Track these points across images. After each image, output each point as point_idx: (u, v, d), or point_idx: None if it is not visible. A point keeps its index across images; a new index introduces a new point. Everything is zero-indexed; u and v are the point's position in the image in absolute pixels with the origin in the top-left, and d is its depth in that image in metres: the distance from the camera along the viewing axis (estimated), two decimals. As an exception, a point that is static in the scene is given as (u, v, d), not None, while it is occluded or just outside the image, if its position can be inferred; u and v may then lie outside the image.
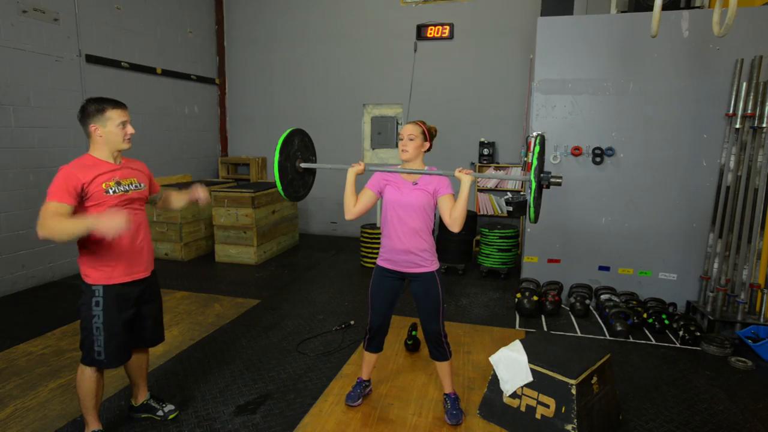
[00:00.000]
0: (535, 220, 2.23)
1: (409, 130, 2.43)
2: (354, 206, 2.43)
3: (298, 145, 2.57)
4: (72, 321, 3.77)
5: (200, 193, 2.52)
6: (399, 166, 2.50)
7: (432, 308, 2.46)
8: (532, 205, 2.16)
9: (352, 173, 2.45)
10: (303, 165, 2.60)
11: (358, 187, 2.44)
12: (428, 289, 2.45)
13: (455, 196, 2.36)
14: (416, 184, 2.42)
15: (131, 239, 2.21)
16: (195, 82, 6.87)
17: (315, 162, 2.75)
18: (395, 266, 2.47)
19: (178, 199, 2.58)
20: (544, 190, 2.31)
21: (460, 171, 2.31)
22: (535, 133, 4.20)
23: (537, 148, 2.09)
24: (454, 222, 2.31)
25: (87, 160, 2.13)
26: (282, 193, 2.50)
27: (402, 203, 2.40)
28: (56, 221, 1.90)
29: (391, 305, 2.56)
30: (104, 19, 5.35)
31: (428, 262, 2.45)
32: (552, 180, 2.12)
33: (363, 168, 2.46)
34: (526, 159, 4.46)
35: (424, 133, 2.46)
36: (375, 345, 2.65)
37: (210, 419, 2.57)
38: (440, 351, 2.53)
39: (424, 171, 2.40)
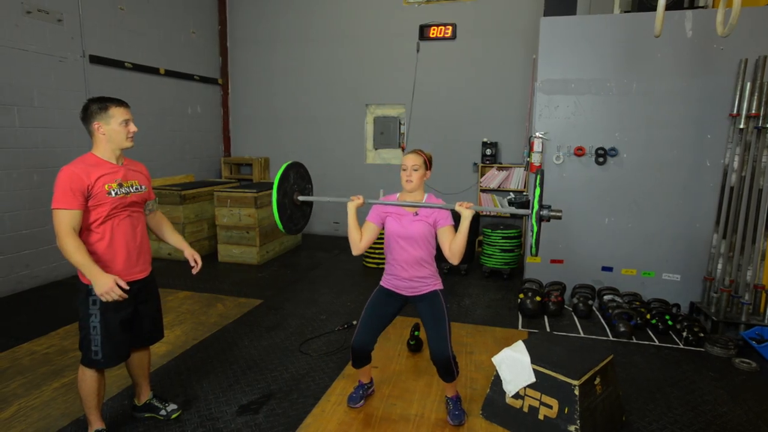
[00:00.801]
0: (536, 254, 2.28)
1: (412, 161, 2.41)
2: (360, 241, 2.43)
3: (294, 179, 2.57)
4: (75, 320, 3.77)
5: (197, 261, 2.54)
6: (398, 195, 2.50)
7: (439, 330, 2.40)
8: (533, 243, 2.19)
9: (352, 208, 2.44)
10: (301, 198, 2.59)
11: (360, 217, 2.44)
12: (433, 309, 2.43)
13: (455, 227, 2.36)
14: (417, 215, 2.42)
15: (129, 241, 2.22)
16: (198, 83, 6.89)
17: (311, 191, 2.76)
18: (399, 290, 2.49)
19: (172, 236, 2.55)
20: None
21: (460, 205, 2.28)
22: (537, 136, 4.20)
23: (537, 190, 2.13)
24: (454, 255, 2.31)
25: (90, 159, 2.14)
26: (283, 230, 2.51)
27: (403, 235, 2.40)
28: (73, 246, 1.99)
29: (383, 326, 2.53)
30: (108, 19, 5.37)
31: (431, 285, 2.47)
32: (552, 214, 2.16)
33: (362, 201, 2.44)
34: (528, 159, 4.45)
35: (425, 162, 2.44)
36: (359, 362, 2.58)
37: (213, 419, 2.58)
38: (448, 374, 2.46)
39: (423, 204, 2.37)
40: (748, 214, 3.78)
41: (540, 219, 2.14)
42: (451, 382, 2.51)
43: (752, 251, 3.76)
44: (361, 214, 2.43)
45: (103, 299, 2.03)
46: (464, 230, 2.27)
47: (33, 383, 2.89)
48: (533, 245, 2.19)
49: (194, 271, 2.52)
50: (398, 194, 2.52)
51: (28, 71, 4.55)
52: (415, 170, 2.40)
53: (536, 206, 2.13)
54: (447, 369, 2.44)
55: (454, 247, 2.30)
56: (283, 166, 2.49)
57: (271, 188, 6.37)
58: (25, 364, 3.12)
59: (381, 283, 2.56)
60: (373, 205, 2.50)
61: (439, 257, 2.50)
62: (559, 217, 2.17)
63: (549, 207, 2.17)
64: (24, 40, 4.50)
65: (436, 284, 2.48)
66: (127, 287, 2.08)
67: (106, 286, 2.00)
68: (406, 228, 2.40)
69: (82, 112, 2.15)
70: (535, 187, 2.16)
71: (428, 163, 2.47)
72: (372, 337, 2.51)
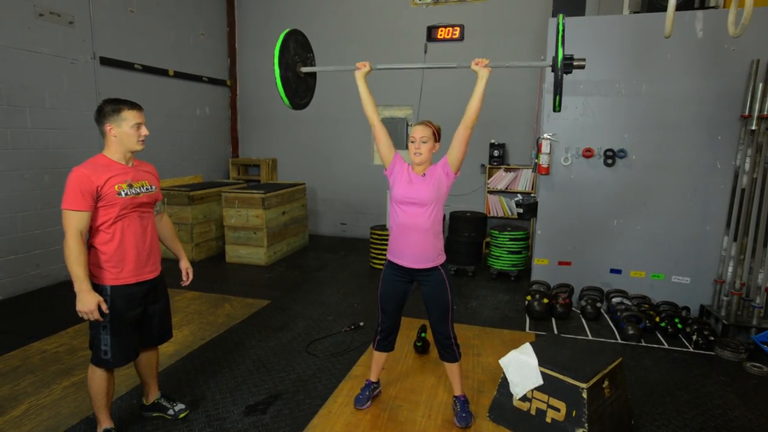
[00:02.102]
0: (560, 109, 2.29)
1: (421, 132, 2.38)
2: (374, 107, 2.44)
3: (295, 49, 2.46)
4: (85, 320, 3.82)
5: (189, 275, 2.57)
6: (410, 166, 2.49)
7: (441, 311, 2.46)
8: (557, 98, 2.15)
9: (360, 76, 2.45)
10: (304, 70, 2.51)
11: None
12: (438, 292, 2.45)
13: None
14: (425, 176, 2.41)
15: (139, 241, 2.24)
16: (206, 84, 6.93)
17: (313, 59, 2.65)
18: (405, 262, 2.45)
19: (174, 243, 2.57)
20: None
21: (476, 63, 2.31)
22: (545, 138, 4.17)
23: (561, 30, 2.04)
24: (469, 115, 2.30)
25: (101, 160, 2.17)
26: (290, 105, 2.46)
27: (412, 197, 2.36)
28: (75, 254, 2.04)
29: (400, 307, 2.57)
30: (118, 21, 5.42)
31: (436, 260, 2.44)
32: (576, 64, 2.08)
33: (370, 68, 2.44)
34: (536, 160, 4.43)
35: (434, 134, 2.43)
36: (386, 344, 2.65)
37: (220, 419, 2.59)
38: (449, 352, 2.52)
39: (437, 65, 2.48)
40: (759, 216, 3.73)
41: (564, 70, 2.08)
42: (453, 362, 2.54)
43: (764, 254, 3.71)
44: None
45: (79, 315, 2.07)
46: (479, 90, 2.29)
47: (43, 382, 2.92)
48: (556, 98, 2.14)
49: (183, 284, 2.58)
50: (410, 165, 2.50)
51: (39, 73, 4.61)
52: (424, 142, 2.38)
53: (560, 56, 2.05)
54: (447, 346, 2.51)
55: (467, 109, 2.29)
56: (282, 35, 2.39)
57: (280, 188, 6.35)
58: (35, 363, 3.16)
59: (388, 257, 2.54)
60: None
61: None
62: (583, 66, 2.11)
63: (571, 57, 2.09)
64: (36, 42, 4.56)
65: (440, 255, 2.46)
66: (107, 311, 2.11)
67: (89, 306, 2.05)
68: (416, 189, 2.37)
69: (96, 112, 2.18)
70: (557, 34, 2.06)
71: (437, 135, 2.44)
72: (396, 317, 2.57)
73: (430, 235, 2.39)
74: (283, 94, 2.37)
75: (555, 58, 2.10)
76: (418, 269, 2.44)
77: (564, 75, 2.15)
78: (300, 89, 2.52)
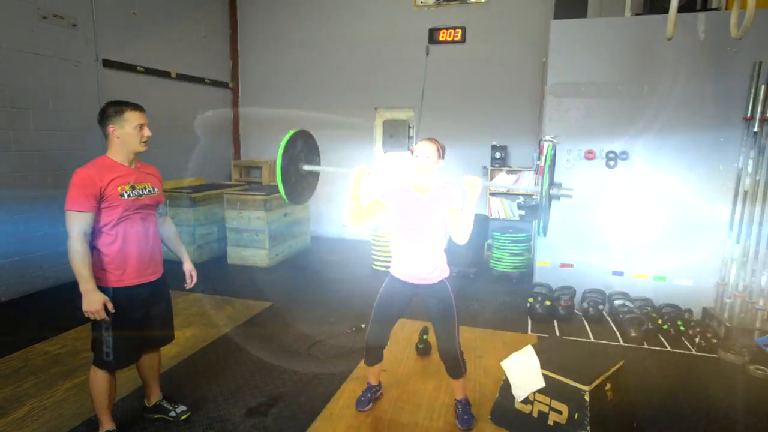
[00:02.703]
0: (545, 234, 2.20)
1: (426, 150, 2.37)
2: (361, 214, 2.36)
3: (301, 147, 2.51)
4: (87, 321, 3.81)
5: (193, 277, 2.58)
6: (411, 184, 2.48)
7: (447, 325, 2.42)
8: (540, 222, 2.13)
9: (357, 178, 2.39)
10: (306, 168, 2.54)
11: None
12: (443, 305, 2.42)
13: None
14: (427, 196, 2.39)
15: (141, 243, 2.24)
16: (209, 86, 6.95)
17: (319, 163, 2.68)
18: (410, 279, 2.44)
19: (177, 245, 2.57)
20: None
21: (465, 183, 2.22)
22: (547, 140, 4.18)
23: (548, 160, 2.04)
24: (459, 236, 2.25)
25: (104, 162, 2.18)
26: (285, 198, 2.46)
27: (413, 222, 2.36)
28: (79, 255, 2.06)
29: (393, 317, 2.53)
30: (121, 24, 5.44)
31: (440, 275, 2.44)
32: (562, 193, 2.07)
33: (368, 172, 2.40)
34: (538, 162, 4.43)
35: (438, 150, 2.41)
36: (373, 358, 2.62)
37: (221, 421, 2.59)
38: (456, 370, 2.49)
39: (433, 183, 2.35)
40: (762, 218, 3.72)
41: (550, 198, 2.06)
42: (458, 378, 2.52)
43: (767, 256, 3.70)
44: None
45: (85, 315, 2.07)
46: (470, 207, 2.21)
47: (45, 383, 2.93)
48: (540, 224, 2.14)
49: (187, 287, 2.57)
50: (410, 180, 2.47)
51: (43, 75, 4.62)
52: (428, 157, 2.37)
53: (546, 184, 2.04)
54: (455, 365, 2.48)
55: (459, 227, 2.23)
56: (291, 132, 2.42)
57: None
58: (37, 364, 3.16)
59: (391, 271, 2.52)
60: (384, 186, 2.48)
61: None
62: (570, 196, 2.10)
63: (560, 185, 2.07)
64: (40, 45, 4.57)
65: (444, 272, 2.45)
66: (113, 311, 2.12)
67: (95, 305, 2.06)
68: (417, 214, 2.36)
69: (99, 115, 2.19)
70: (544, 163, 2.06)
71: (441, 152, 2.43)
72: (386, 332, 2.53)
73: (433, 250, 2.39)
74: (280, 183, 2.39)
75: (541, 186, 2.06)
76: (421, 284, 2.43)
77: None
78: (299, 185, 2.56)
